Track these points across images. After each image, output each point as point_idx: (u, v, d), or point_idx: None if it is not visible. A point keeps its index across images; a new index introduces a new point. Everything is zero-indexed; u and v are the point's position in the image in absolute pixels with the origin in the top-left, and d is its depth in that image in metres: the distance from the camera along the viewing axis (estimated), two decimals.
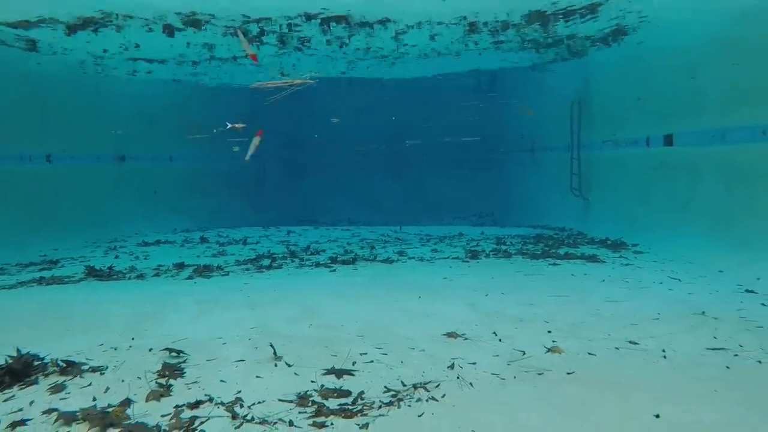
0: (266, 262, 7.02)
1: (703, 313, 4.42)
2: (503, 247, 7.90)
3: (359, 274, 6.15)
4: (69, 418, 2.61)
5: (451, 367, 3.32)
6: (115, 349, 3.67)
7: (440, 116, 18.04)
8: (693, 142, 7.65)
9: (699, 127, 7.45)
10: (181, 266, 6.75)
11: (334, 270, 6.44)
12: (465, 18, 7.20)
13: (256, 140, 5.27)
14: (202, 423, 2.66)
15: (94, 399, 2.89)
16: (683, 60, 7.75)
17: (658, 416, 2.68)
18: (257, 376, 3.22)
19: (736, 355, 3.50)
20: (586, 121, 10.73)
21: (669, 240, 7.53)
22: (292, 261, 7.09)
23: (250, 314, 4.52)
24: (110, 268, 6.49)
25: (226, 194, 13.80)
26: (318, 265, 6.77)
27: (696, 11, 6.76)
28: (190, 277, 6.17)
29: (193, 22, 6.81)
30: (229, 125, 6.16)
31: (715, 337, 3.83)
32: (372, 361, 3.44)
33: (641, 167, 9.01)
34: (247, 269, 6.61)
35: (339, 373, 3.24)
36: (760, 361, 3.38)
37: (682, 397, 2.88)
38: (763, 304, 4.65)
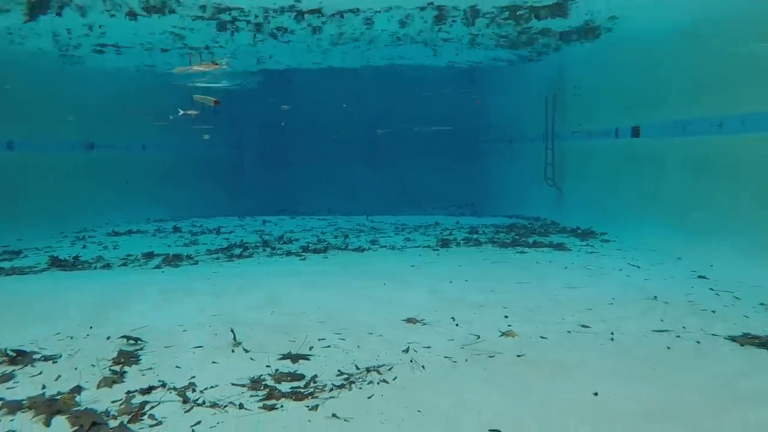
0: (237, 251, 7.02)
1: (655, 297, 4.57)
2: (475, 236, 8.00)
3: (329, 263, 6.19)
4: (14, 406, 2.61)
5: (406, 351, 3.39)
6: (72, 338, 3.66)
7: (421, 107, 18.06)
8: (658, 133, 7.81)
9: (663, 120, 7.60)
10: (150, 256, 6.72)
11: (304, 259, 6.46)
12: (432, 3, 7.20)
13: (209, 100, 5.26)
14: (152, 407, 2.68)
15: (44, 387, 2.89)
16: (649, 54, 7.90)
17: (596, 394, 2.78)
18: (213, 362, 3.25)
19: (678, 336, 3.64)
20: (560, 112, 10.88)
21: (635, 229, 7.71)
22: (264, 250, 7.10)
23: (213, 302, 4.54)
24: (75, 258, 6.43)
25: (201, 184, 13.69)
26: (289, 254, 6.79)
27: (662, 9, 6.89)
28: (158, 267, 6.15)
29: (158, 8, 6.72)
30: (182, 112, 6.13)
31: (662, 320, 3.97)
32: (329, 346, 3.49)
33: (611, 158, 9.18)
34: (217, 258, 6.60)
35: (295, 357, 3.28)
36: (698, 342, 3.53)
37: (621, 377, 2.99)
38: (711, 289, 4.83)
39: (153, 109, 10.26)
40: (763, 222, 5.66)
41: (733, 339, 3.57)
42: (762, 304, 4.36)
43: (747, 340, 3.53)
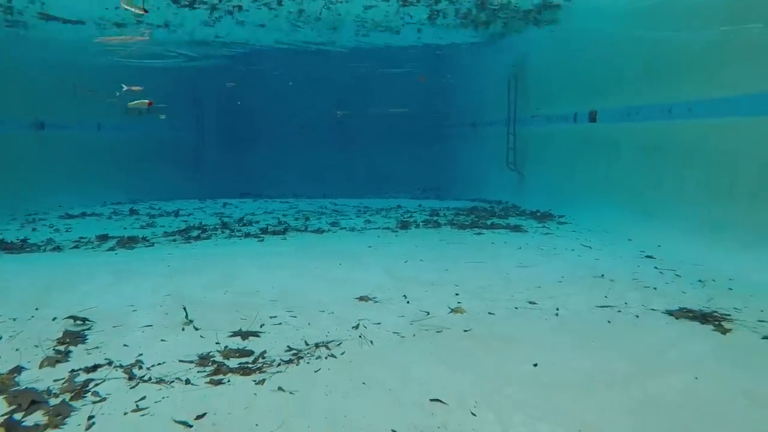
0: (195, 233, 6.94)
1: (602, 276, 4.74)
2: (435, 218, 8.10)
3: (287, 244, 6.19)
4: None
5: (356, 327, 3.45)
6: (14, 320, 3.57)
7: (387, 91, 18.03)
8: (613, 118, 8.03)
9: (618, 105, 7.80)
10: (104, 238, 6.58)
11: (263, 240, 6.44)
12: None
13: (144, 103, 5.24)
14: (96, 385, 2.67)
15: None
16: (605, 40, 8.07)
17: (536, 365, 2.90)
18: (162, 340, 3.23)
19: (619, 311, 3.80)
20: (522, 97, 11.03)
21: (591, 211, 7.93)
22: (223, 232, 7.03)
23: (167, 282, 4.49)
24: (23, 240, 6.25)
25: (161, 166, 13.38)
26: (248, 235, 6.75)
27: None
28: (111, 249, 6.03)
29: None
30: (125, 87, 6.00)
31: (606, 297, 4.14)
32: (280, 324, 3.51)
33: (570, 143, 9.39)
34: (174, 240, 6.51)
35: (245, 335, 3.30)
36: (637, 316, 3.70)
37: (561, 349, 3.13)
38: (656, 267, 5.04)
39: (102, 86, 9.85)
40: (705, 204, 5.91)
41: (670, 313, 3.75)
42: (700, 281, 4.59)
43: (682, 313, 3.74)
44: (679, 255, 5.45)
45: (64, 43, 9.77)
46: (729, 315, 3.69)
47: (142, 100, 5.61)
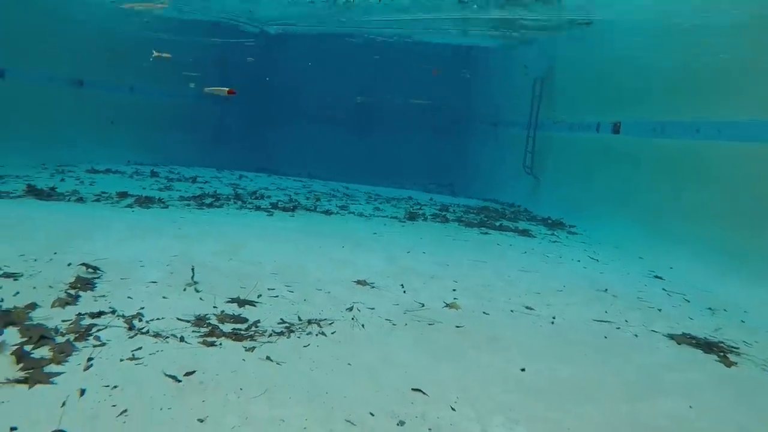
0: (209, 200, 7.13)
1: (606, 290, 4.63)
2: (444, 213, 8.18)
3: (294, 221, 6.34)
4: None
5: (350, 309, 3.57)
6: (35, 260, 3.77)
7: (411, 83, 17.98)
8: (637, 132, 7.92)
9: (643, 119, 7.69)
10: (124, 195, 6.81)
11: (272, 215, 6.60)
12: None
13: (223, 90, 5.36)
14: (99, 330, 2.84)
15: (2, 300, 3.03)
16: (636, 53, 7.97)
17: (523, 370, 2.92)
18: (164, 297, 3.40)
19: (618, 328, 3.74)
20: (546, 101, 10.96)
21: (605, 225, 7.82)
22: (235, 202, 7.22)
23: (176, 243, 4.66)
24: (52, 188, 6.51)
25: (185, 133, 13.67)
26: (258, 208, 6.92)
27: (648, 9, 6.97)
28: (129, 206, 6.25)
29: None
30: (155, 53, 6.14)
31: (606, 312, 4.06)
32: (277, 296, 3.66)
33: (590, 152, 9.30)
34: (188, 205, 6.71)
35: (242, 302, 3.45)
36: (636, 335, 3.64)
37: (551, 357, 3.12)
38: (663, 289, 4.91)
39: (137, 51, 10.20)
40: (724, 230, 5.68)
41: (671, 337, 3.63)
42: (710, 308, 4.42)
43: (685, 339, 3.59)
44: (691, 279, 5.26)
45: (104, 7, 10.08)
46: (737, 348, 3.53)
47: (221, 88, 5.71)
